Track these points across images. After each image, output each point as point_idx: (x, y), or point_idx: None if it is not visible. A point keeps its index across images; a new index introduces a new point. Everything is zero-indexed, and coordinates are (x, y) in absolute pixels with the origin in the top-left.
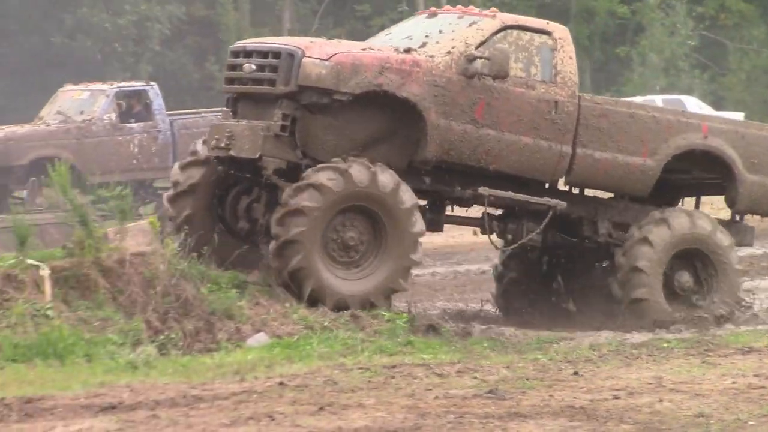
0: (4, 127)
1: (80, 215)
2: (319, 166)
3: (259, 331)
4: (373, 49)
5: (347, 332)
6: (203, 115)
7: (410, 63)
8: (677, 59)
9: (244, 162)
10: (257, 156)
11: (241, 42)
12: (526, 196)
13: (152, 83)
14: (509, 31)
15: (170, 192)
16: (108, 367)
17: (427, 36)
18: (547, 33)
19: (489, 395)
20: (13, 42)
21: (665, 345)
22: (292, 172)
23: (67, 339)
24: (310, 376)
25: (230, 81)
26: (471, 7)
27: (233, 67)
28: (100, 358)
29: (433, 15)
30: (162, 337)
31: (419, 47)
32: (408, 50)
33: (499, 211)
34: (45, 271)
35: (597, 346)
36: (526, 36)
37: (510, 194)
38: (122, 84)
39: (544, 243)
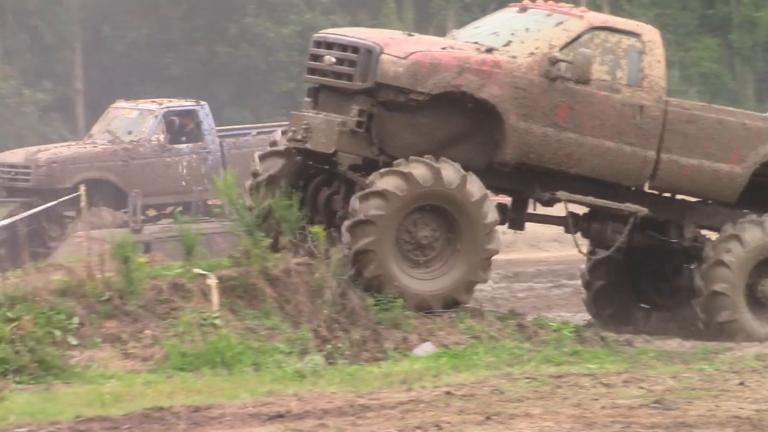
0: (51, 147)
1: (246, 225)
2: (382, 171)
3: (425, 340)
4: (453, 48)
5: (513, 342)
6: (254, 132)
7: (491, 64)
8: None
9: (322, 155)
10: (332, 151)
11: (323, 31)
12: (606, 201)
13: (202, 102)
14: (596, 32)
15: (250, 182)
16: (275, 376)
17: (513, 33)
18: (636, 35)
19: (655, 405)
20: (177, 52)
21: None
22: (369, 167)
23: (234, 348)
24: (476, 385)
25: (311, 71)
26: (562, 3)
27: (315, 57)
28: (268, 367)
29: (524, 10)
30: (329, 346)
31: (503, 46)
32: (490, 50)
33: (584, 210)
34: (212, 281)
35: (763, 356)
36: (614, 38)
37: (590, 199)
38: (172, 104)
39: (630, 244)
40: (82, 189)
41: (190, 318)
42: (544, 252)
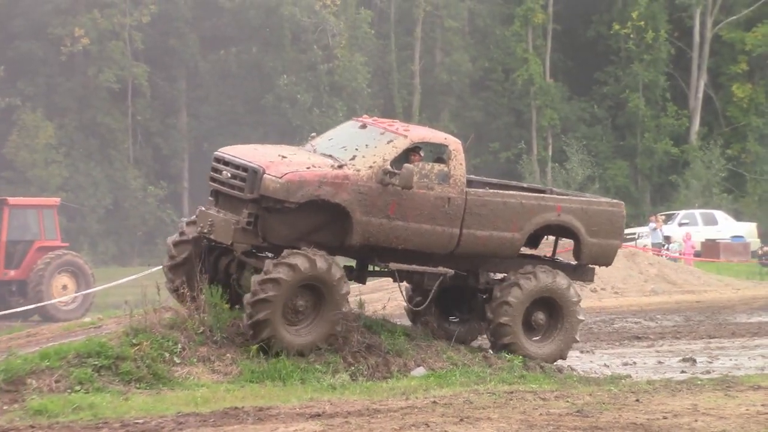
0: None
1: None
2: (275, 261)
3: (419, 365)
4: (315, 167)
5: (480, 367)
6: None
7: (342, 177)
8: (711, 185)
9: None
10: (230, 243)
11: (221, 151)
12: (424, 267)
13: None
14: (416, 146)
15: (168, 263)
16: (315, 388)
17: (357, 149)
18: (445, 146)
19: (577, 413)
20: None
21: (699, 382)
22: (256, 251)
23: (288, 368)
24: (453, 397)
25: (213, 179)
26: (393, 122)
27: (215, 170)
28: (310, 381)
29: (364, 126)
30: (353, 368)
31: (350, 159)
32: (341, 166)
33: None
34: None
35: (652, 382)
36: (437, 154)
37: (413, 267)
38: None
39: (442, 286)
40: None
41: (257, 347)
42: None
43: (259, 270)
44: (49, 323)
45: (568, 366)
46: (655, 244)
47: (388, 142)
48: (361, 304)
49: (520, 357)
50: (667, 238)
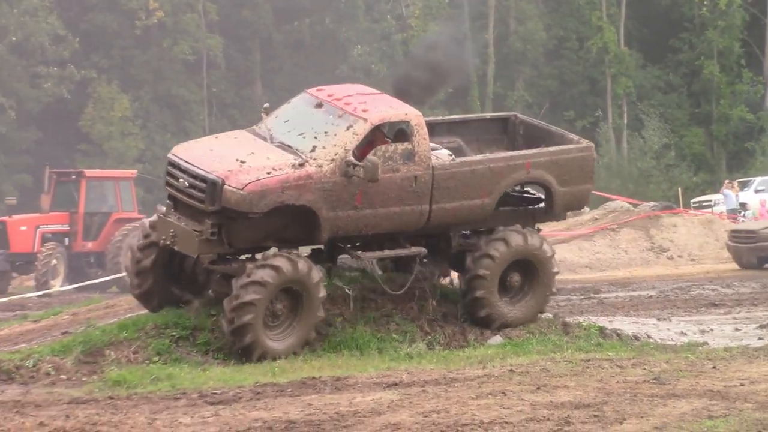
0: None
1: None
2: (257, 263)
3: (496, 334)
4: (275, 170)
5: (556, 336)
6: None
7: (305, 177)
8: None
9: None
10: (196, 255)
11: (175, 156)
12: (397, 251)
13: None
14: (378, 129)
15: (134, 267)
16: (392, 357)
17: (316, 137)
18: (406, 122)
19: (654, 381)
20: None
21: None
22: (223, 259)
23: (365, 337)
24: (530, 365)
25: (170, 185)
26: (351, 94)
27: (171, 175)
28: (387, 351)
29: (320, 105)
30: (429, 337)
31: (310, 152)
32: (302, 164)
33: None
34: (350, 292)
35: (729, 349)
36: (390, 130)
37: (386, 253)
38: None
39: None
40: None
41: (336, 317)
42: (578, 275)
43: (228, 275)
44: (126, 295)
45: (645, 333)
46: (730, 210)
47: (348, 128)
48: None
49: (597, 326)
50: (743, 205)
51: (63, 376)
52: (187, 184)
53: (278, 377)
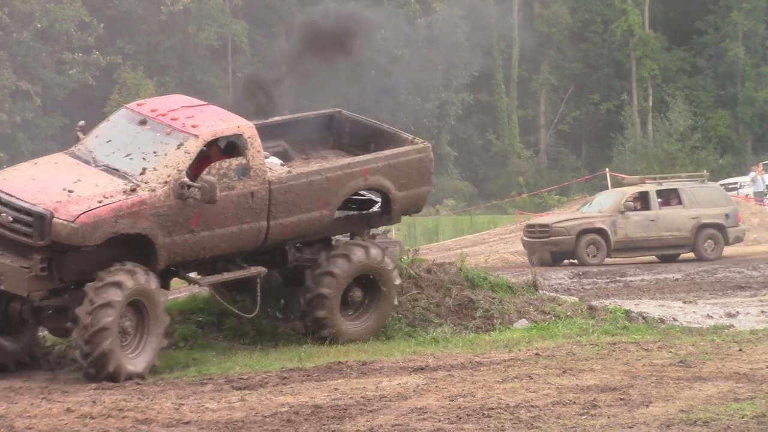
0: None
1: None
2: (112, 269)
3: (522, 318)
4: (107, 197)
5: (582, 319)
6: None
7: (138, 203)
8: None
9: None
10: (26, 294)
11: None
12: (237, 273)
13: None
14: (211, 145)
15: None
16: (418, 341)
17: (144, 158)
18: (238, 135)
19: (680, 364)
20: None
21: None
22: (54, 294)
23: (390, 323)
24: (556, 349)
25: None
26: (176, 107)
27: None
28: (413, 335)
29: (144, 122)
30: (455, 321)
31: (140, 174)
32: (134, 189)
33: None
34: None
35: (755, 332)
36: (223, 143)
37: (226, 276)
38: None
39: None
40: None
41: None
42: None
43: (63, 308)
44: None
45: (671, 316)
46: (757, 193)
47: (179, 147)
48: (463, 258)
49: (623, 309)
50: None
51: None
52: (11, 219)
53: (304, 362)
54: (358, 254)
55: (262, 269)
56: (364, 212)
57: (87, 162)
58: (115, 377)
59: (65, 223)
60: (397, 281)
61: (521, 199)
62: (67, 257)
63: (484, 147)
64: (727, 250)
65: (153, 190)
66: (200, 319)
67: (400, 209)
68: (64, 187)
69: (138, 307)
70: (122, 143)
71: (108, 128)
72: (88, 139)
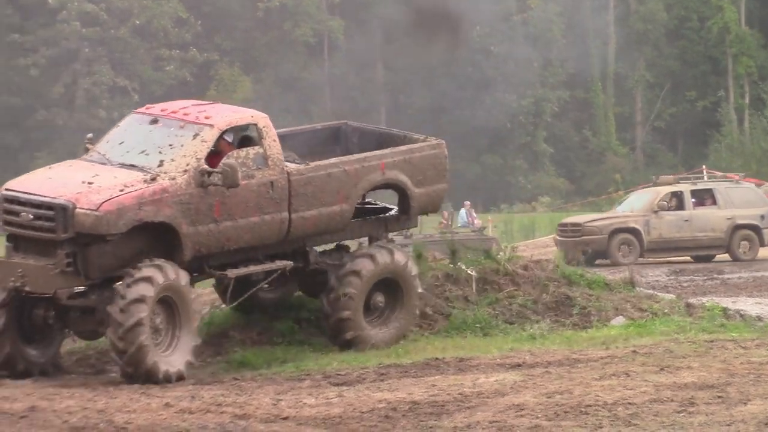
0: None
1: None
2: (141, 265)
3: (619, 315)
4: (128, 187)
5: (680, 317)
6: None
7: (160, 191)
8: None
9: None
10: (52, 292)
11: (11, 190)
12: (264, 266)
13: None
14: (226, 134)
15: None
16: (515, 338)
17: (160, 151)
18: (253, 125)
19: None
20: (448, 114)
21: None
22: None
23: (487, 318)
24: (654, 346)
25: (8, 223)
26: (187, 105)
27: (9, 212)
28: (510, 332)
29: (156, 121)
30: (552, 318)
31: (158, 167)
32: (154, 178)
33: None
34: (472, 273)
35: None
36: (232, 138)
37: (253, 269)
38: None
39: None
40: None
41: (456, 298)
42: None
43: (90, 310)
44: None
45: None
46: None
47: (195, 137)
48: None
49: (720, 306)
50: None
51: (188, 357)
52: (32, 217)
53: (402, 358)
54: (383, 256)
55: (288, 262)
56: (381, 216)
57: (102, 163)
58: (152, 376)
59: (89, 212)
60: (420, 289)
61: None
62: (91, 251)
63: (580, 144)
64: (763, 252)
65: (173, 179)
66: (297, 315)
67: (418, 207)
68: (83, 180)
69: (168, 303)
70: (135, 142)
71: (118, 132)
72: (99, 144)
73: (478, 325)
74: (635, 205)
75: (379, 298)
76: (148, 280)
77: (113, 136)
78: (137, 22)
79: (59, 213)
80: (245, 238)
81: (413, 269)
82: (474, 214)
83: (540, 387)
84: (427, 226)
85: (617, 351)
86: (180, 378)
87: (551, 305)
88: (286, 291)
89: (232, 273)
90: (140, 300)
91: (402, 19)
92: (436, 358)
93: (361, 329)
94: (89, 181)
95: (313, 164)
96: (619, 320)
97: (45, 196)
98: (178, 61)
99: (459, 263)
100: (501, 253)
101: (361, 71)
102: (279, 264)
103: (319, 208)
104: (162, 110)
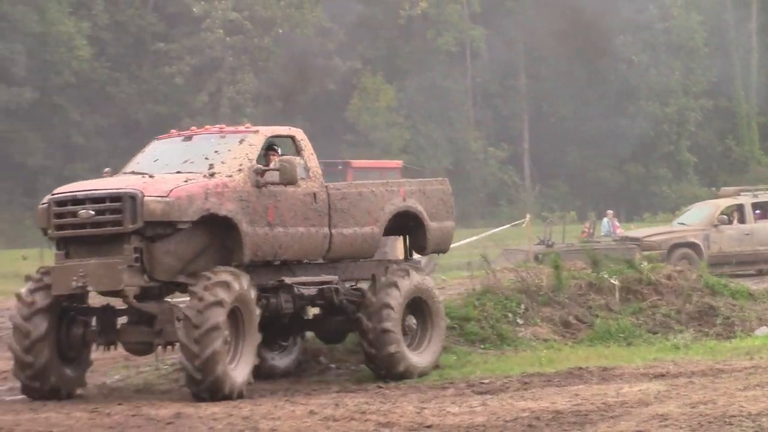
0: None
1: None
2: (217, 270)
3: (762, 326)
4: (190, 180)
5: None
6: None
7: (221, 186)
8: None
9: (78, 296)
10: (121, 288)
11: (64, 192)
12: (312, 277)
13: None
14: (271, 140)
15: (25, 341)
16: (659, 348)
17: (206, 158)
18: (291, 137)
19: None
20: (593, 122)
21: None
22: (142, 296)
23: (630, 329)
24: None
25: (62, 227)
26: (222, 125)
27: (62, 215)
28: (653, 342)
29: (189, 138)
30: (696, 328)
31: (208, 169)
32: (212, 174)
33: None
34: (615, 282)
35: None
36: (281, 142)
37: (309, 279)
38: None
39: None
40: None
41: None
42: None
43: (148, 319)
44: None
45: None
46: None
47: (241, 142)
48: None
49: None
50: None
51: (333, 365)
52: (93, 212)
53: (545, 367)
54: (404, 281)
55: (334, 276)
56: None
57: (144, 173)
58: (218, 387)
59: (159, 199)
60: (441, 297)
61: None
62: (156, 248)
63: (723, 153)
64: None
65: (230, 176)
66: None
67: (434, 243)
68: (140, 177)
69: (235, 315)
70: (174, 156)
71: (147, 155)
72: (131, 164)
73: (621, 334)
74: (695, 219)
75: (412, 321)
76: (225, 284)
77: (143, 158)
78: (280, 31)
79: (127, 202)
80: (294, 249)
81: (438, 294)
82: (617, 223)
83: (684, 397)
84: (570, 235)
85: (761, 361)
86: (240, 395)
87: (695, 315)
88: (295, 358)
89: (289, 280)
90: (218, 303)
91: (544, 27)
92: (580, 368)
93: (408, 359)
94: (150, 174)
95: (346, 183)
96: (763, 330)
97: (109, 188)
98: (320, 70)
99: (601, 272)
100: (644, 263)
101: (504, 79)
102: (326, 278)
103: (354, 227)
104: (192, 130)
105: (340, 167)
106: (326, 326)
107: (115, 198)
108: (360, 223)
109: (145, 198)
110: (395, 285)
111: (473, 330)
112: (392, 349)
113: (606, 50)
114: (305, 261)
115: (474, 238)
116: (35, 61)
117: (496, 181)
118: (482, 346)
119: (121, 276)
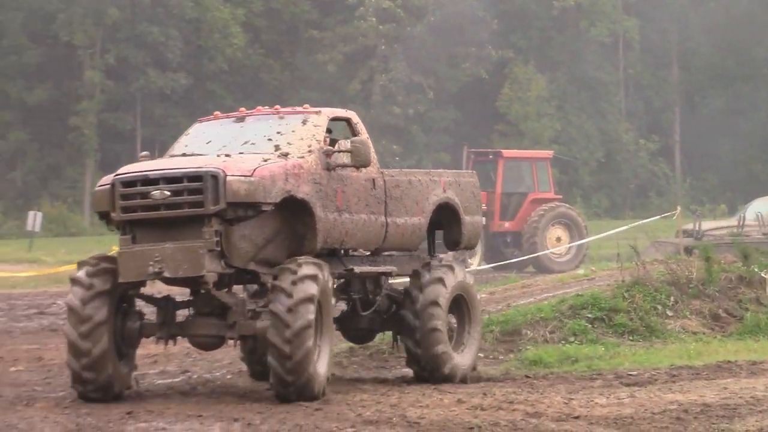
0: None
1: None
2: (300, 261)
3: None
4: (267, 161)
5: None
6: None
7: (297, 166)
8: None
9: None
10: (202, 273)
11: (134, 171)
12: (375, 267)
13: None
14: (333, 122)
15: (82, 327)
16: None
17: (269, 140)
18: (347, 119)
19: None
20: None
21: None
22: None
23: None
24: None
25: (130, 209)
26: (277, 106)
27: (129, 197)
28: None
29: (242, 119)
30: None
31: (275, 150)
32: (285, 154)
33: None
34: (766, 276)
35: None
36: (340, 125)
37: (375, 268)
38: None
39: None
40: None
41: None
42: None
43: (218, 309)
44: (543, 274)
45: None
46: None
47: (305, 123)
48: None
49: None
50: None
51: (481, 354)
52: (168, 193)
53: (693, 360)
54: (449, 277)
55: (393, 267)
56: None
57: (204, 154)
58: (308, 387)
59: (243, 178)
60: (479, 295)
61: None
62: (233, 233)
63: None
64: None
65: (302, 157)
66: (590, 315)
67: (468, 237)
68: (216, 155)
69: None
70: (231, 138)
71: (196, 137)
72: (176, 149)
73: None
74: (760, 212)
75: (452, 320)
76: (313, 278)
77: (190, 140)
78: (432, 19)
79: (208, 182)
80: (357, 237)
81: (471, 279)
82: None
83: None
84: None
85: None
86: (324, 392)
87: None
88: None
89: (358, 269)
90: (309, 300)
91: (699, 20)
92: (728, 361)
93: (453, 359)
94: (225, 154)
95: (397, 170)
96: None
97: (187, 167)
98: (474, 59)
99: (752, 266)
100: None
101: (656, 71)
102: (384, 268)
103: (405, 217)
104: (240, 110)
105: (491, 157)
106: (355, 323)
107: (194, 177)
108: (410, 212)
109: (228, 177)
110: (442, 281)
111: (622, 321)
112: (440, 349)
113: (760, 42)
114: (357, 252)
115: (624, 228)
116: (190, 47)
117: (647, 172)
118: (631, 338)
119: (202, 261)
